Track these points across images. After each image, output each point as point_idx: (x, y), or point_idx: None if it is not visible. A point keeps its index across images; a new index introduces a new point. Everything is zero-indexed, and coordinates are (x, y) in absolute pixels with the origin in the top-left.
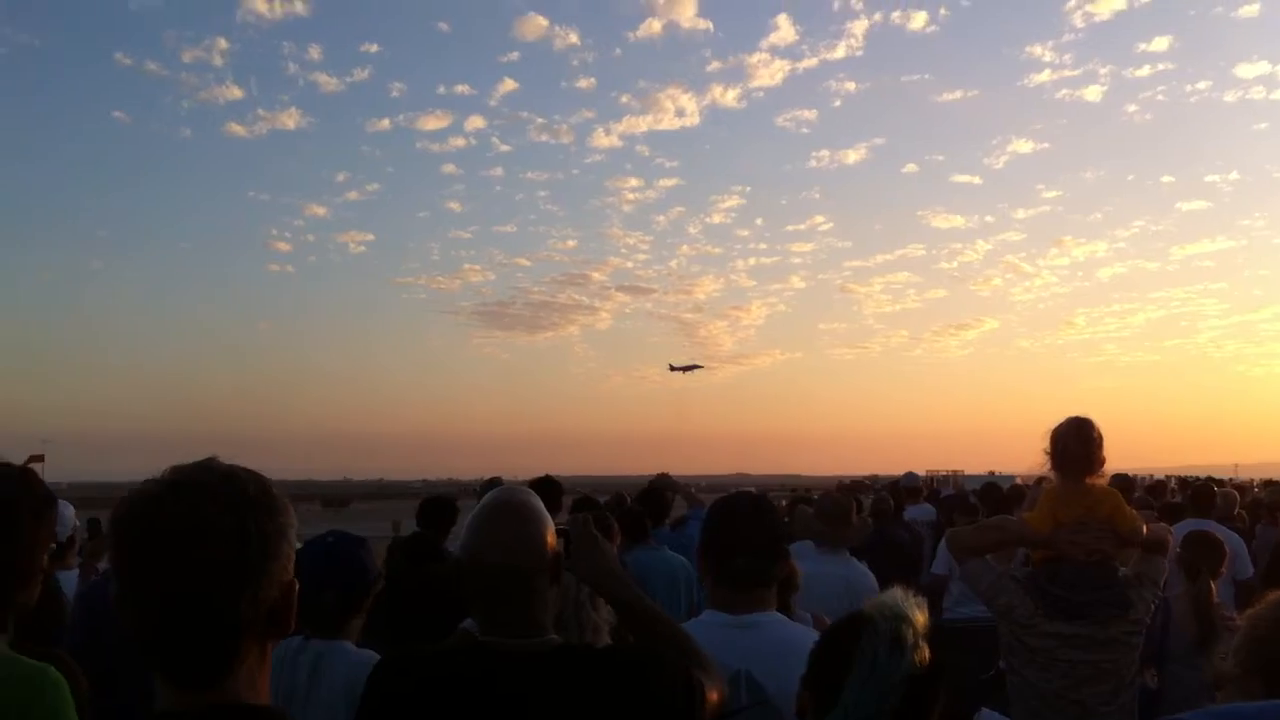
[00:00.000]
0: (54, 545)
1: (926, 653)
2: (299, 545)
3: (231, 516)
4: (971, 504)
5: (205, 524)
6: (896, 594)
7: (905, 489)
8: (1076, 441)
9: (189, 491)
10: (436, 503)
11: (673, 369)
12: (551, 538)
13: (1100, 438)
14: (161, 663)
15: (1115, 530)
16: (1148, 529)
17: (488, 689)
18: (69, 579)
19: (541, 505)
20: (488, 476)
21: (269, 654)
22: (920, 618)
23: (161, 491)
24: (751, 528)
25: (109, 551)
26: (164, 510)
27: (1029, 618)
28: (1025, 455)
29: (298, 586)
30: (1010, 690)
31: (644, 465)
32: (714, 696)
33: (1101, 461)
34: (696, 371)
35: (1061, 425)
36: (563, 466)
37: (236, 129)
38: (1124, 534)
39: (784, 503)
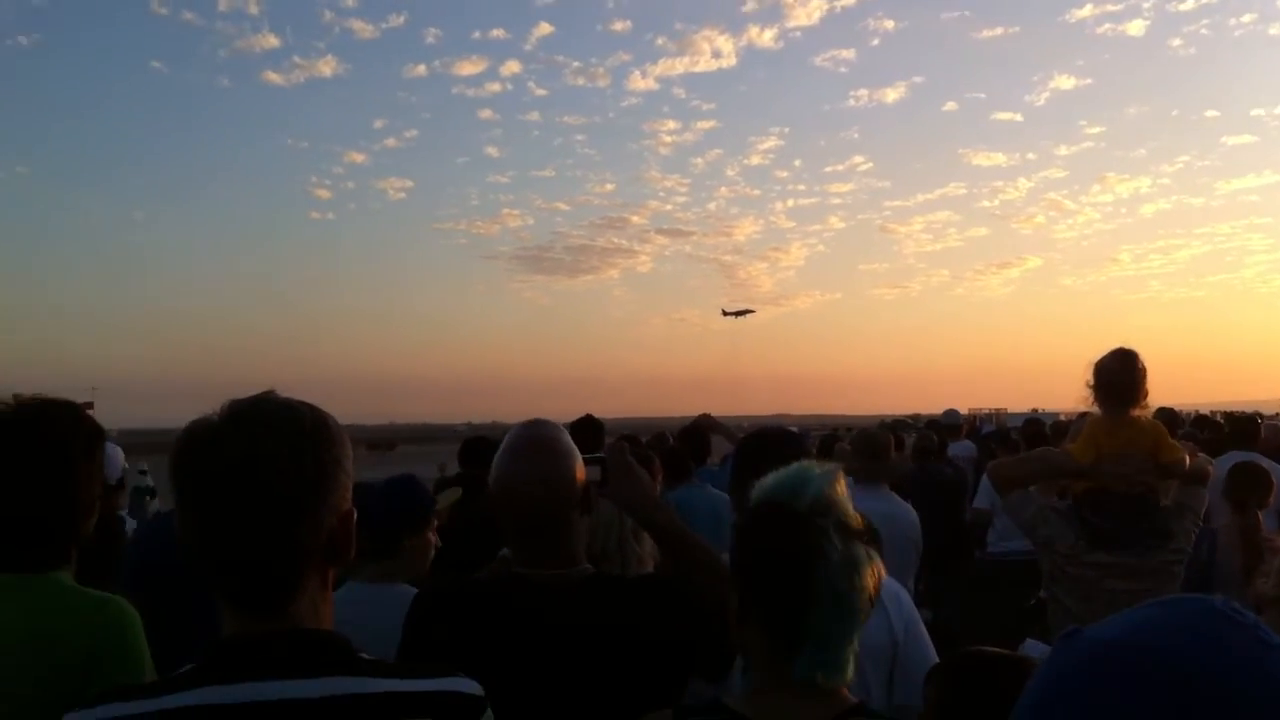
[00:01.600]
0: (109, 484)
1: (859, 519)
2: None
3: (289, 447)
4: (1013, 440)
5: (263, 454)
6: (810, 485)
7: (946, 426)
8: (1120, 372)
9: (247, 423)
10: (478, 443)
11: (725, 314)
12: (581, 471)
13: (1144, 369)
14: (226, 590)
15: (1158, 462)
16: (1190, 461)
17: (521, 618)
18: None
19: (569, 439)
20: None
21: (330, 582)
22: (841, 487)
23: (221, 424)
24: (779, 459)
25: (171, 484)
26: (223, 441)
27: (1070, 548)
28: (1069, 393)
29: (355, 516)
30: (1051, 619)
31: (684, 407)
32: None
33: (1145, 393)
34: (747, 316)
35: (1105, 357)
36: (603, 408)
37: (274, 77)
38: (1167, 466)
39: (816, 443)
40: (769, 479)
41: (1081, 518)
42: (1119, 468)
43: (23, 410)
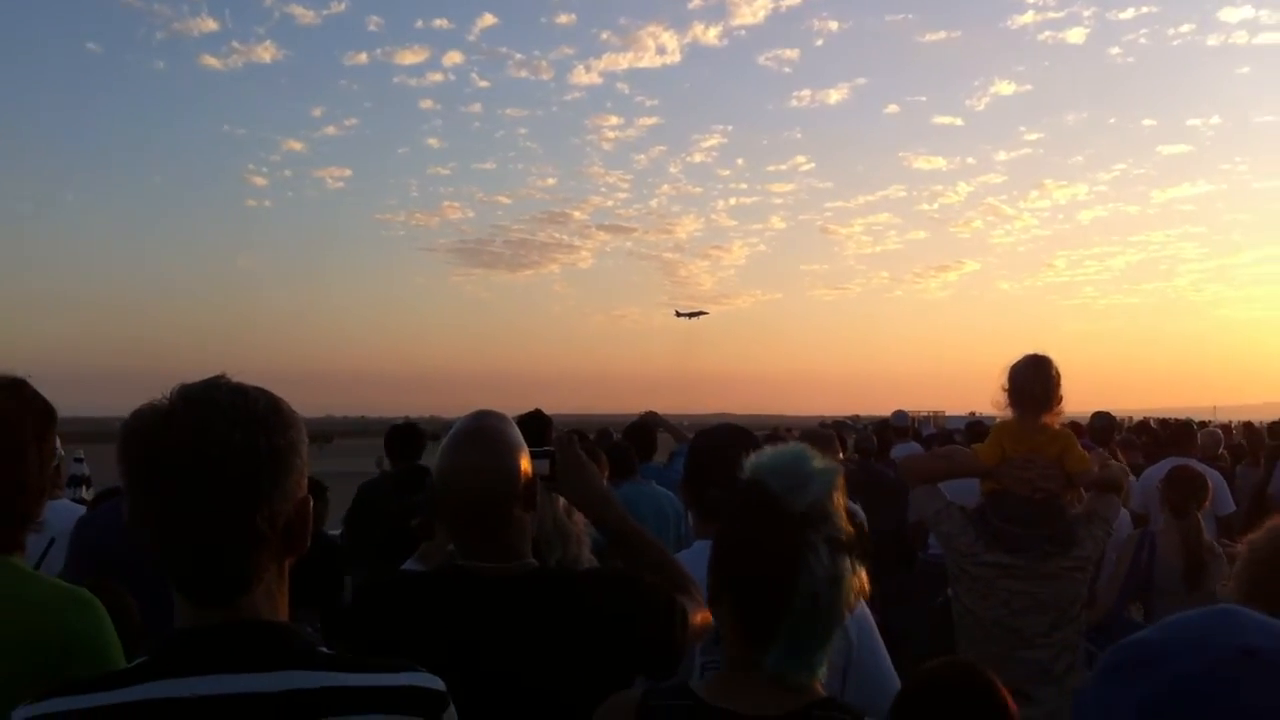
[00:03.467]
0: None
1: (851, 530)
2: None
3: (241, 432)
4: (957, 443)
5: (215, 437)
6: (811, 488)
7: (894, 428)
8: (1032, 379)
9: (198, 406)
10: (402, 431)
11: (679, 315)
12: (525, 464)
13: (1057, 377)
14: (178, 579)
15: (1063, 469)
16: (1102, 469)
17: (462, 611)
18: (55, 509)
19: (516, 431)
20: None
21: (286, 572)
22: (839, 496)
23: (170, 408)
24: (734, 459)
25: (119, 468)
26: (174, 424)
27: (969, 546)
28: (1000, 395)
29: (312, 504)
30: (955, 617)
31: (625, 404)
32: (698, 620)
33: (1058, 400)
34: (700, 318)
35: (1019, 362)
36: (543, 404)
37: (211, 61)
38: (1071, 473)
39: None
40: (767, 455)
41: (984, 518)
42: (1023, 471)
43: None
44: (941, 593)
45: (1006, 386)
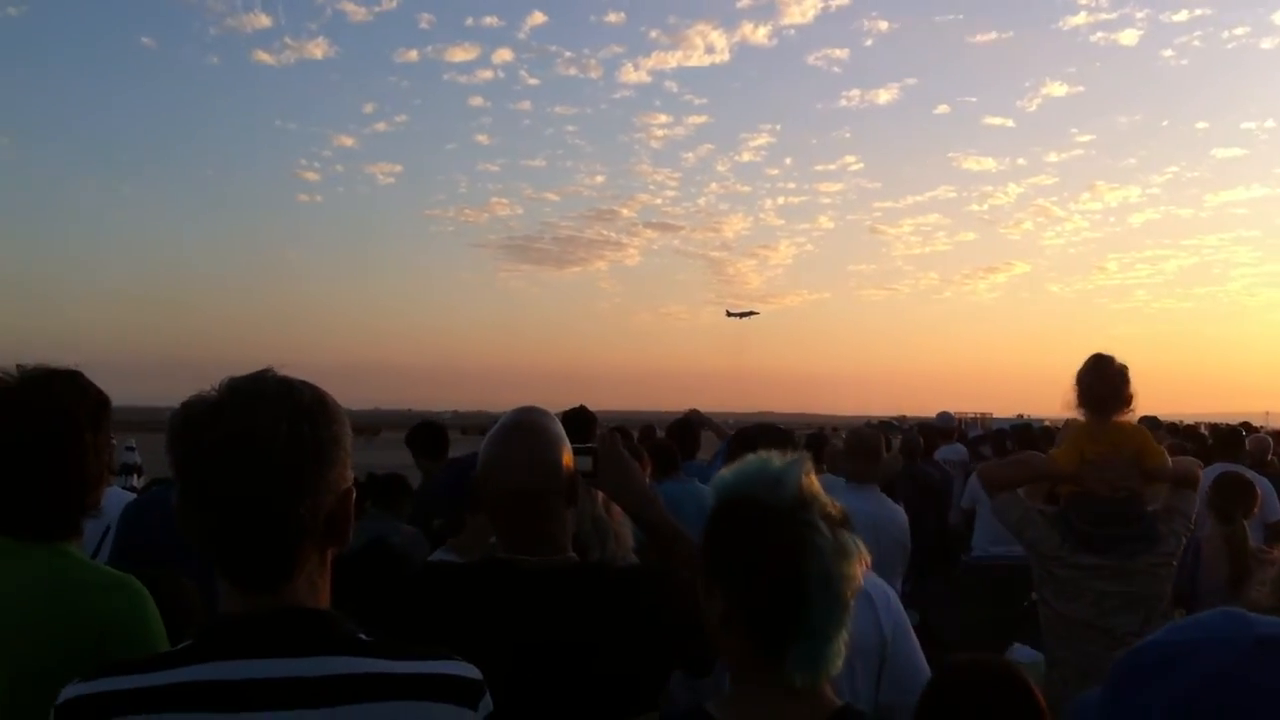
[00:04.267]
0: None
1: (839, 507)
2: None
3: (287, 423)
4: (1007, 447)
5: (262, 429)
6: (787, 478)
7: (938, 429)
8: (1100, 378)
9: (246, 397)
10: (425, 429)
11: (730, 315)
12: (568, 459)
13: (1125, 374)
14: (224, 566)
15: (1141, 465)
16: (1175, 464)
17: (503, 602)
18: (108, 496)
19: (558, 427)
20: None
21: (328, 562)
22: (813, 477)
23: (219, 399)
24: None
25: (169, 457)
26: (223, 414)
27: (1055, 550)
28: (1054, 398)
29: (355, 496)
30: (1042, 621)
31: (669, 401)
32: None
33: (1129, 399)
34: (751, 318)
35: (1086, 363)
36: (589, 400)
37: (264, 57)
38: (1150, 469)
39: (802, 443)
40: (729, 474)
41: (1067, 520)
42: (1103, 472)
43: (28, 379)
44: (990, 595)
45: (1076, 387)
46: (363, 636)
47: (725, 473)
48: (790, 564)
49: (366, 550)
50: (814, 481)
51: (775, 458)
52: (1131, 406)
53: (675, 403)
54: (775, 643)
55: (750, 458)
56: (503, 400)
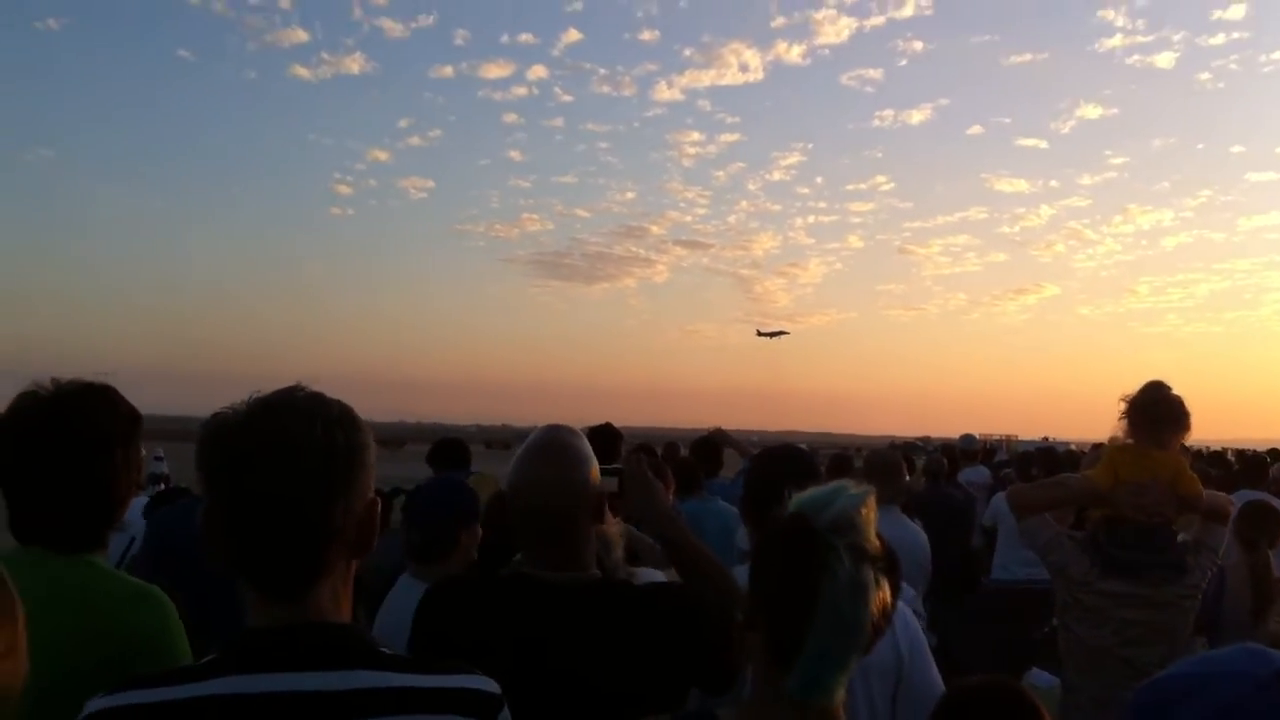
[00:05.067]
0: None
1: (877, 544)
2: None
3: (319, 430)
4: (1033, 473)
5: (293, 433)
6: (837, 503)
7: (962, 451)
8: (1163, 402)
9: (277, 407)
10: (447, 445)
11: (760, 334)
12: (595, 476)
13: (1180, 401)
14: (252, 571)
15: (1177, 494)
16: (1208, 497)
17: (528, 616)
18: (134, 508)
19: (586, 445)
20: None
21: (352, 572)
22: (869, 511)
23: (250, 408)
24: (793, 478)
25: (197, 467)
26: (255, 423)
27: (1084, 575)
28: (1080, 422)
29: (379, 506)
30: (1062, 646)
31: (694, 418)
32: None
33: (1189, 426)
34: (781, 338)
35: (1146, 386)
36: (614, 417)
37: (301, 72)
38: (1184, 497)
39: (825, 464)
40: (805, 494)
41: (1097, 545)
42: (1138, 498)
43: (63, 394)
44: (1009, 618)
45: (1130, 411)
46: (385, 650)
47: (804, 493)
48: (804, 582)
49: None
50: (866, 515)
51: (850, 485)
52: (1184, 434)
53: (701, 420)
54: (783, 655)
55: (832, 484)
56: (528, 415)
